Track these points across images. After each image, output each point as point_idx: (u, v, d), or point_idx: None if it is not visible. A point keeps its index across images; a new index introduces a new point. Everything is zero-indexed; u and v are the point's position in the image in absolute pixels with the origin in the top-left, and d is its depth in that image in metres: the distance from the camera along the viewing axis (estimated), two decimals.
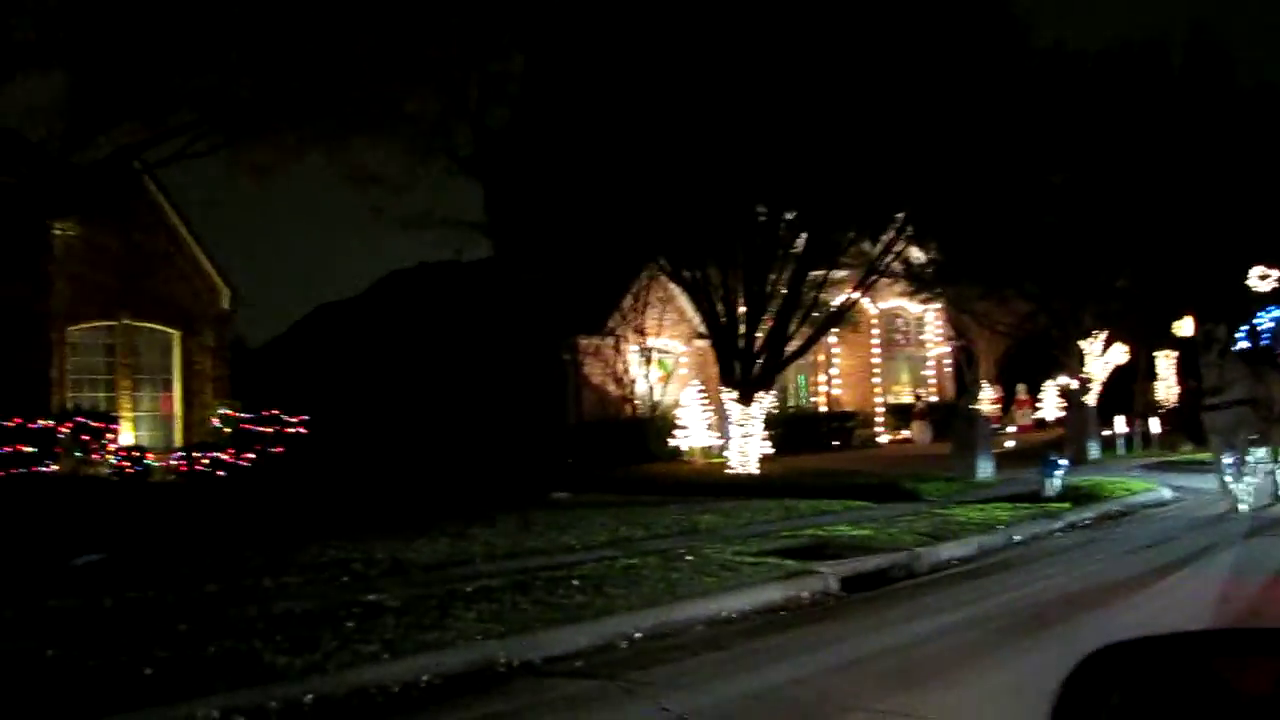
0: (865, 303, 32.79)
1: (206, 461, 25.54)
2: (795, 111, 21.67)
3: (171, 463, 25.41)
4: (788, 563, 11.21)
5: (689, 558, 11.37)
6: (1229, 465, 16.08)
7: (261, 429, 27.51)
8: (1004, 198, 24.59)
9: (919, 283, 31.79)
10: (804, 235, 25.31)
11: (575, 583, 9.91)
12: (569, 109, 22.76)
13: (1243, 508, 15.76)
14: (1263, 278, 26.64)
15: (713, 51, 21.66)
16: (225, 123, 16.16)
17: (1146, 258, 28.48)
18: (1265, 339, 19.29)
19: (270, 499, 20.32)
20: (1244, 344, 18.89)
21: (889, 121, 21.82)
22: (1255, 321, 19.48)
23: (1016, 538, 14.18)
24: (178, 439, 27.01)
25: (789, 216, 25.03)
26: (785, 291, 24.98)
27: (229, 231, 61.66)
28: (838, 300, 27.38)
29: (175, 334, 27.54)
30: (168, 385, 27.55)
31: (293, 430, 28.06)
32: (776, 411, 32.31)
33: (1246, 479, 16.20)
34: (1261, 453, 16.58)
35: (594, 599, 9.26)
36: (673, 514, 16.18)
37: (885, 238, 27.16)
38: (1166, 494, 18.95)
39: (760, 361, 25.27)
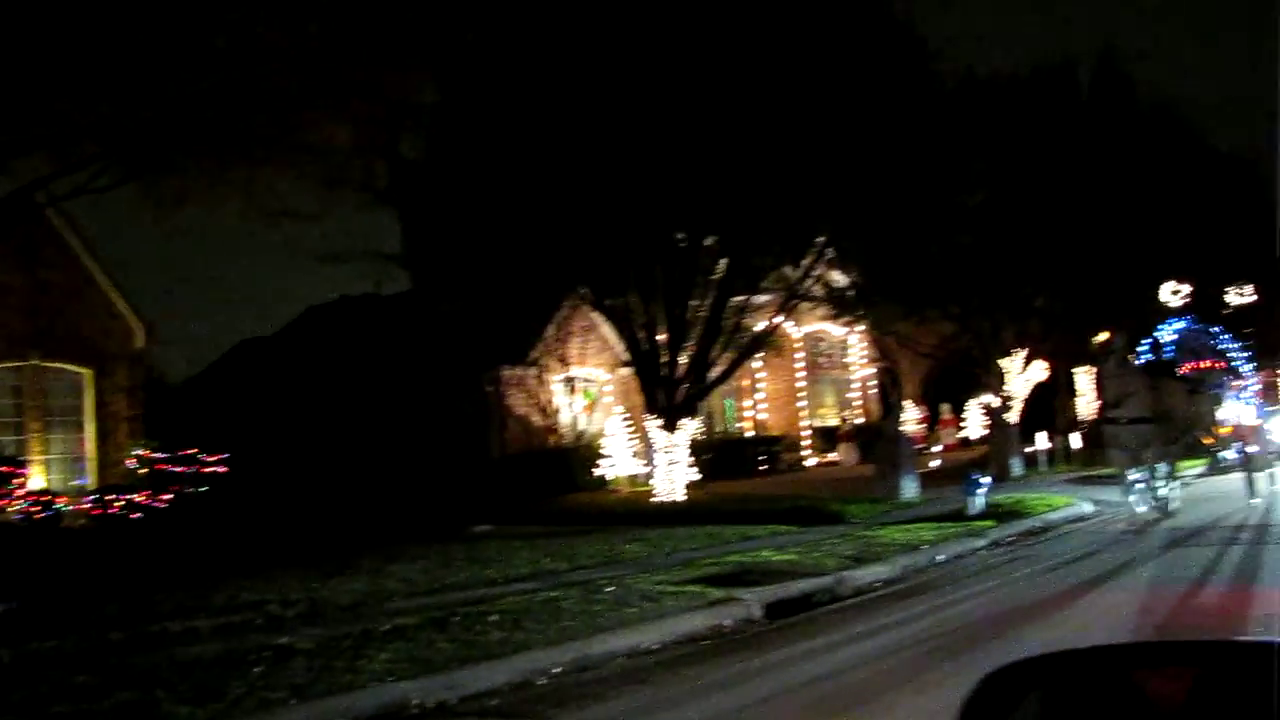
0: (789, 327, 32.91)
1: (121, 504, 24.85)
2: (712, 137, 21.68)
3: (84, 506, 24.72)
4: (710, 591, 11.09)
5: (610, 589, 11.21)
6: (1136, 481, 16.05)
7: (179, 469, 26.89)
8: (921, 219, 24.80)
9: (840, 306, 31.93)
10: (724, 260, 25.30)
11: (494, 618, 9.71)
12: (484, 139, 22.61)
13: (1167, 513, 15.77)
14: (1174, 293, 27.06)
15: (628, 79, 21.64)
16: (126, 156, 15.75)
17: (1063, 276, 28.89)
18: (1168, 352, 19.44)
19: (186, 540, 19.88)
20: (1147, 357, 19.01)
21: (804, 146, 21.91)
22: (1157, 334, 19.62)
23: (940, 557, 14.19)
24: (91, 482, 26.29)
25: (709, 242, 25.03)
26: (707, 317, 24.93)
27: (148, 268, 60.69)
28: (760, 325, 27.41)
29: (87, 374, 26.82)
30: (80, 427, 26.81)
31: (211, 469, 27.48)
32: (703, 437, 32.31)
33: (1160, 493, 16.29)
34: (1164, 467, 16.63)
35: (512, 634, 9.07)
36: (597, 544, 16.04)
37: (805, 262, 27.26)
38: (1087, 509, 19.12)
39: (684, 388, 25.19)
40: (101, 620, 10.54)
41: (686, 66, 21.45)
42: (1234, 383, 19.46)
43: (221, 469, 27.61)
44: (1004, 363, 30.20)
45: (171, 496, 25.87)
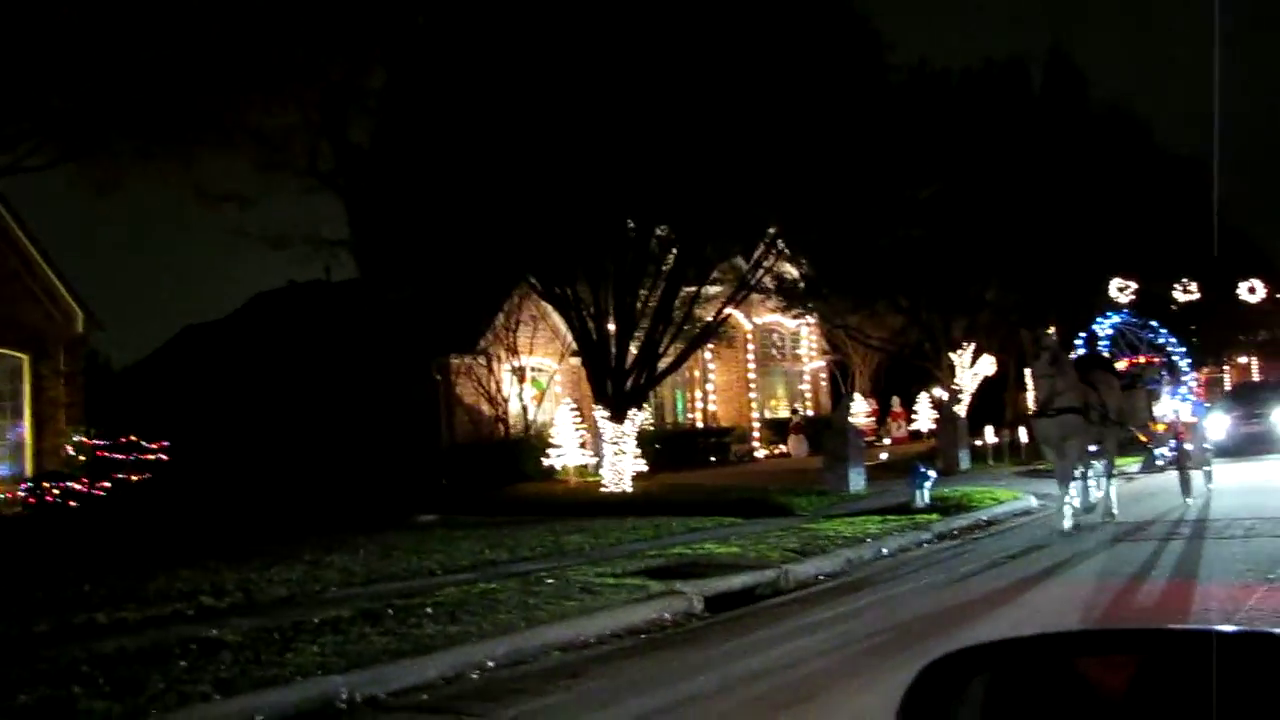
0: (740, 318, 32.86)
1: (58, 492, 24.37)
2: (663, 127, 21.53)
3: (19, 494, 24.23)
4: (651, 583, 10.93)
5: (550, 580, 11.05)
6: (1070, 477, 15.78)
7: (120, 456, 26.43)
8: (871, 212, 24.76)
9: (791, 298, 31.94)
10: (675, 250, 25.17)
11: (429, 610, 9.52)
12: (431, 124, 22.32)
13: (1067, 524, 15.08)
14: (1121, 289, 27.19)
15: (578, 66, 21.44)
16: (59, 135, 15.36)
17: (1012, 270, 29.04)
18: (1105, 346, 19.32)
19: (124, 529, 19.53)
20: (1081, 351, 18.87)
21: (755, 136, 21.80)
22: (1094, 327, 19.49)
23: (885, 551, 14.13)
24: (28, 469, 25.79)
25: (660, 231, 24.89)
26: (657, 307, 24.79)
27: (91, 253, 59.76)
28: (711, 316, 27.31)
29: (25, 358, 26.30)
30: (17, 413, 26.30)
31: (153, 457, 27.03)
32: (653, 428, 32.18)
33: (1095, 491, 16.14)
34: (1100, 464, 16.45)
35: (446, 627, 8.88)
36: (541, 535, 15.89)
37: (756, 253, 27.20)
38: (1033, 502, 19.15)
39: (633, 379, 25.04)
40: (27, 611, 10.27)
41: (638, 53, 21.29)
42: (1171, 379, 19.40)
43: (164, 457, 27.18)
44: (953, 356, 30.32)
45: (111, 484, 25.42)
